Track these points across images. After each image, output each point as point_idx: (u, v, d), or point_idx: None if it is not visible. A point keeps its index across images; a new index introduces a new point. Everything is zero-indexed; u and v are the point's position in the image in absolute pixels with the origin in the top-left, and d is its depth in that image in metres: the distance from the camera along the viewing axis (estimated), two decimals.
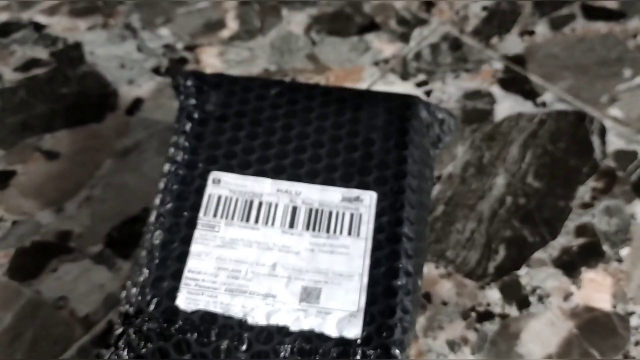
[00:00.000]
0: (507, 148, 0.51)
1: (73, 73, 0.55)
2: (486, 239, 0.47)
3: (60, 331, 0.43)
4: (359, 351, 0.36)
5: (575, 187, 0.49)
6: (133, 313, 0.37)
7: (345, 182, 0.42)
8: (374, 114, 0.44)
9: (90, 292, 0.44)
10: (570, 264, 0.46)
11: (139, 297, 0.37)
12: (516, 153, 0.51)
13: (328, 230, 0.40)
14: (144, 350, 0.36)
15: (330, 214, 0.41)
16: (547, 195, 0.49)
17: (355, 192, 0.41)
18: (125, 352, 0.36)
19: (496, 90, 0.55)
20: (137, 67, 0.56)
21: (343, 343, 0.36)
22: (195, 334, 0.36)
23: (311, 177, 0.42)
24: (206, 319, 0.37)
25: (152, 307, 0.37)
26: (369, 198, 0.41)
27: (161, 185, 0.41)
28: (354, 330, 0.37)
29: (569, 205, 0.49)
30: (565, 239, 0.47)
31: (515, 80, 0.55)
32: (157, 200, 0.41)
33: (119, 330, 0.37)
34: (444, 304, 0.44)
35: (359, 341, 0.36)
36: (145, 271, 0.38)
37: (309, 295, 0.38)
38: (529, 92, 0.55)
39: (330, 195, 0.41)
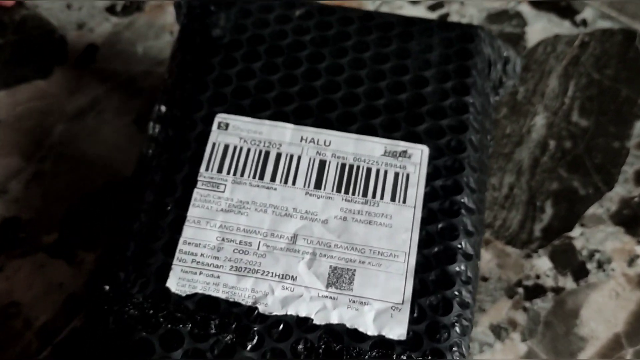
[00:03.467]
0: (544, 80, 0.43)
1: (9, 18, 0.46)
2: (528, 195, 0.39)
3: (13, 346, 0.35)
4: (404, 357, 0.28)
5: (630, 122, 0.41)
6: (111, 295, 0.30)
7: (388, 132, 0.33)
8: (427, 47, 0.36)
9: (47, 294, 0.37)
10: (633, 219, 0.38)
11: (119, 275, 0.31)
12: (556, 85, 0.42)
13: (365, 194, 0.32)
14: (121, 342, 0.29)
15: (369, 172, 0.32)
16: (597, 135, 0.41)
17: (401, 144, 0.33)
18: (98, 343, 0.29)
19: (526, 9, 0.46)
20: (88, 6, 0.47)
21: (383, 345, 0.29)
22: (190, 325, 0.29)
23: (345, 124, 0.34)
24: (205, 306, 0.30)
25: (135, 288, 0.30)
26: (420, 154, 0.33)
27: (151, 130, 0.34)
28: (397, 329, 0.29)
29: (625, 145, 0.40)
30: (624, 188, 0.39)
31: None
32: (145, 150, 0.34)
33: (92, 315, 0.30)
34: (484, 279, 0.36)
35: (404, 344, 0.29)
36: (130, 243, 0.31)
37: (339, 278, 0.30)
38: (566, 9, 0.46)
39: (368, 148, 0.33)
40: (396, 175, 0.32)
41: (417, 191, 0.32)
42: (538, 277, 0.37)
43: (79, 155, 0.41)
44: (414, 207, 0.32)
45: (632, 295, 0.36)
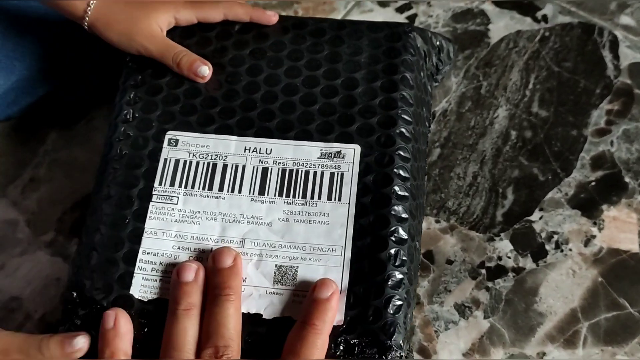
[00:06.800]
0: (507, 74, 0.45)
1: None
2: (491, 183, 0.41)
3: None
4: (341, 340, 0.31)
5: (588, 112, 0.43)
6: (79, 301, 0.33)
7: (323, 135, 0.36)
8: (357, 49, 0.38)
9: (45, 289, 0.39)
10: (589, 202, 0.40)
11: (86, 283, 0.33)
12: (518, 79, 0.45)
13: (305, 195, 0.35)
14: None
15: (307, 175, 0.35)
16: (556, 124, 0.43)
17: (335, 146, 0.35)
18: None
19: (489, 7, 0.48)
20: None
21: None
22: (153, 329, 0.32)
23: (283, 131, 0.36)
24: (166, 310, 0.32)
25: (100, 295, 0.33)
26: (352, 153, 0.35)
27: (107, 149, 0.36)
28: (336, 317, 0.32)
29: (583, 133, 0.43)
30: (581, 174, 0.41)
31: None
32: (103, 169, 0.36)
33: (62, 320, 0.33)
34: (449, 262, 0.39)
35: (341, 329, 0.31)
36: (93, 254, 0.34)
37: (284, 275, 0.33)
38: (527, 6, 0.48)
39: (306, 152, 0.36)
40: (332, 175, 0.35)
41: (350, 189, 0.34)
42: (500, 258, 0.39)
43: (71, 161, 0.43)
44: (349, 204, 0.34)
45: (588, 273, 0.38)
